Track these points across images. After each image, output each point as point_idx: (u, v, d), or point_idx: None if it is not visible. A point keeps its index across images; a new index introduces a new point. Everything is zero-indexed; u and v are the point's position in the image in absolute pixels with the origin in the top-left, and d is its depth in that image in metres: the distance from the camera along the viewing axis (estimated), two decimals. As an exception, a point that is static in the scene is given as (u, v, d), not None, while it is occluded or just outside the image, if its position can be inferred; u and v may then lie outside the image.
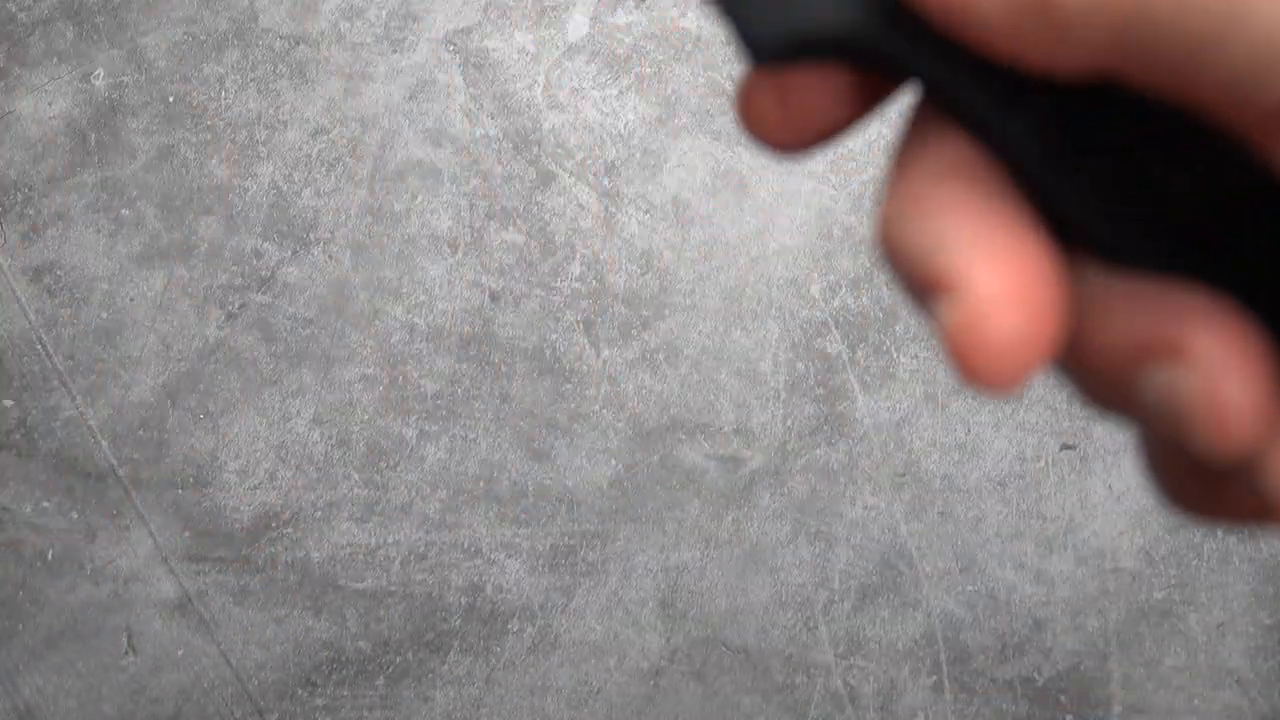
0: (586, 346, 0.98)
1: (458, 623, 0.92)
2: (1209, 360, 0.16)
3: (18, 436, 0.95)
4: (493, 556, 0.94)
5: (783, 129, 0.19)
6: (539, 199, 1.00)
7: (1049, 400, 1.00)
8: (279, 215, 1.00)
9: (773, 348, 0.99)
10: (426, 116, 1.00)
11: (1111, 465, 0.99)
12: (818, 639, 0.93)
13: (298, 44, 1.02)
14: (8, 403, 0.96)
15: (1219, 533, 0.99)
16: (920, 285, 0.17)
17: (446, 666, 0.92)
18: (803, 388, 0.98)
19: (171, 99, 1.02)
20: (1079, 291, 0.17)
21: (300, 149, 1.01)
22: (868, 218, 1.02)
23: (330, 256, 0.99)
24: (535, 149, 1.00)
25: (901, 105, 0.23)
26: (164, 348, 0.97)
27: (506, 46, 1.03)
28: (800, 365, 0.99)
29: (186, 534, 0.93)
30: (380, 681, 0.92)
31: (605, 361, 0.98)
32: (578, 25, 1.03)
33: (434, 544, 0.94)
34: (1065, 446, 0.99)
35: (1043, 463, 0.98)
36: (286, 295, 0.98)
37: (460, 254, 1.00)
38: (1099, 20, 0.15)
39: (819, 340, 0.99)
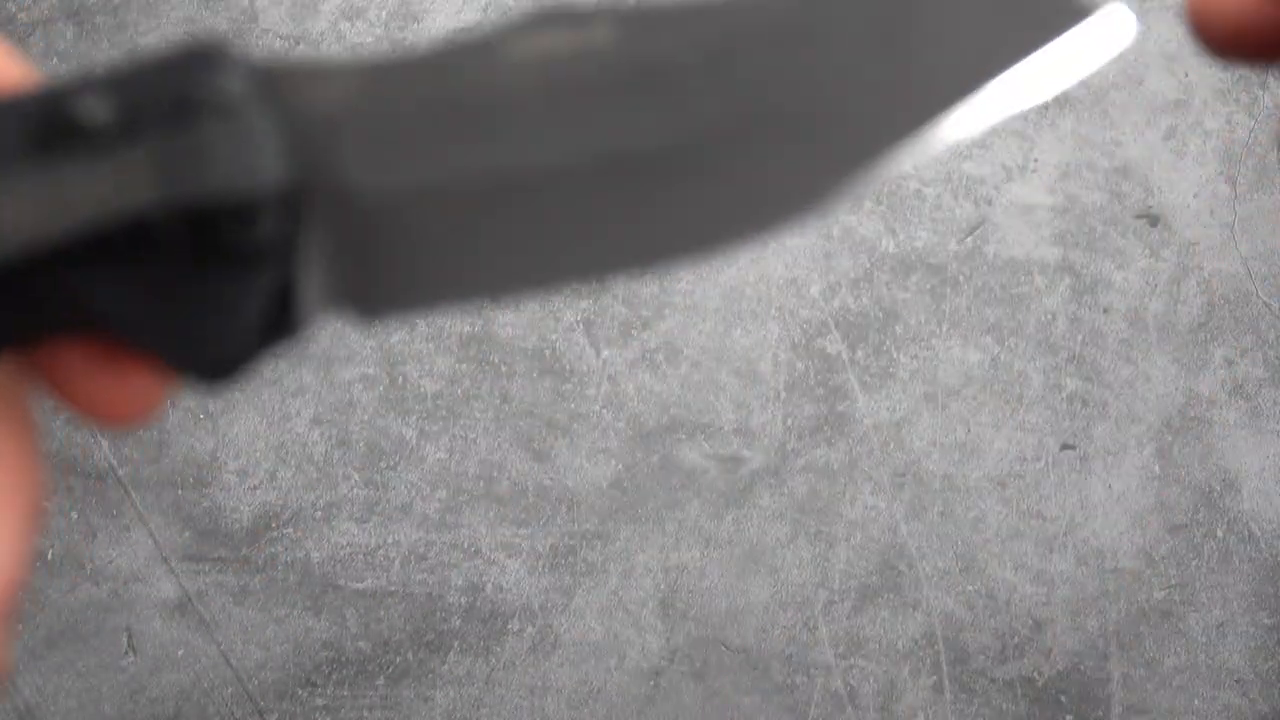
0: (586, 346, 0.98)
1: (458, 623, 0.92)
2: None
3: (18, 436, 0.95)
4: (493, 556, 0.94)
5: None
6: (539, 199, 0.99)
7: (1049, 400, 1.00)
8: (279, 215, 1.00)
9: (772, 347, 0.99)
10: (426, 116, 1.00)
11: (1111, 465, 0.99)
12: (818, 639, 0.93)
13: (298, 44, 1.03)
14: (8, 403, 0.96)
15: (1219, 533, 0.99)
16: None
17: (446, 666, 0.92)
18: (802, 387, 0.98)
19: (171, 99, 1.02)
20: None
21: (300, 149, 1.01)
22: (867, 218, 1.02)
23: (330, 256, 0.99)
24: (535, 149, 1.00)
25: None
26: (164, 348, 0.97)
27: (506, 46, 1.03)
28: (800, 365, 0.99)
29: (186, 534, 0.93)
30: (380, 681, 0.92)
31: (605, 361, 0.98)
32: (578, 25, 1.02)
33: (434, 544, 0.94)
34: (1065, 446, 0.99)
35: (1043, 463, 0.98)
36: (286, 295, 0.98)
37: (460, 254, 1.00)
38: None
39: (819, 340, 0.99)
